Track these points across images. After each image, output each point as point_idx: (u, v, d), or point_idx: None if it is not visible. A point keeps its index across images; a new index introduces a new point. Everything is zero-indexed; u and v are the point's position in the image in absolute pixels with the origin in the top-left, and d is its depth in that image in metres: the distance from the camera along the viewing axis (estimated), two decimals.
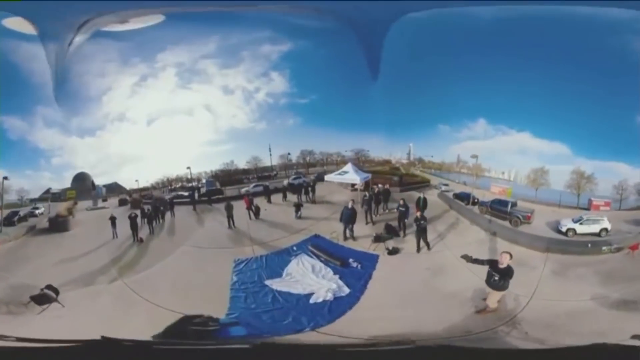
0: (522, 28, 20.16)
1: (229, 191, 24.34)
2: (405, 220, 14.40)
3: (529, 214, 15.43)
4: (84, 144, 22.90)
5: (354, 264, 12.74)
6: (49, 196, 23.60)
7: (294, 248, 14.45)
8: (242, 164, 27.05)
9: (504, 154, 25.85)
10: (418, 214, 13.42)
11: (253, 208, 18.88)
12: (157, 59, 21.77)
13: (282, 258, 13.78)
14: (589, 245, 13.28)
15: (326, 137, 24.15)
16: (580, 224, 14.99)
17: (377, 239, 13.23)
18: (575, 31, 18.31)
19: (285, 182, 25.98)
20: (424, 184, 21.28)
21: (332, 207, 17.76)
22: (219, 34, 21.02)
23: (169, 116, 22.95)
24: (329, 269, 12.71)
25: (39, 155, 22.55)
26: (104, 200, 26.21)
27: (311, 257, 13.48)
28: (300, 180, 25.16)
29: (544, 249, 13.18)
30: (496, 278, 9.62)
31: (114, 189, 26.94)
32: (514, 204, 16.23)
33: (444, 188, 20.96)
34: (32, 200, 23.89)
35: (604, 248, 13.17)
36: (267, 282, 12.33)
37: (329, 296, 11.19)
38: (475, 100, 21.93)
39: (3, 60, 19.19)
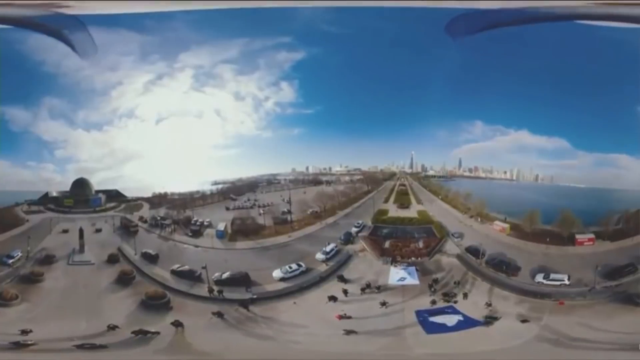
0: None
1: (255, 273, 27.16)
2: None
3: (515, 272, 30.84)
4: (90, 138, 23.89)
5: (448, 310, 28.05)
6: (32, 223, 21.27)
7: (420, 319, 26.89)
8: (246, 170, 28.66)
9: (505, 153, 32.14)
10: (462, 294, 29.60)
11: (345, 315, 26.52)
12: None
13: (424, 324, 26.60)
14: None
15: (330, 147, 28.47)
16: (548, 280, 29.51)
17: (447, 301, 29.22)
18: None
19: (319, 256, 29.49)
20: (443, 241, 32.97)
21: (396, 292, 29.11)
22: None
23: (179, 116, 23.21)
24: (446, 314, 27.45)
25: (42, 147, 22.51)
26: (102, 222, 23.49)
27: (433, 316, 27.19)
28: (334, 252, 30.77)
29: (517, 293, 29.57)
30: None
31: (113, 196, 26.89)
32: (507, 264, 31.23)
33: (456, 240, 33.28)
34: (30, 204, 23.88)
35: (545, 298, 28.49)
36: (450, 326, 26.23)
37: (462, 317, 26.84)
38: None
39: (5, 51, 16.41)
